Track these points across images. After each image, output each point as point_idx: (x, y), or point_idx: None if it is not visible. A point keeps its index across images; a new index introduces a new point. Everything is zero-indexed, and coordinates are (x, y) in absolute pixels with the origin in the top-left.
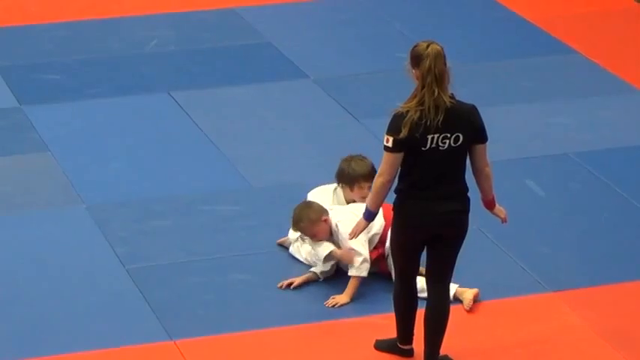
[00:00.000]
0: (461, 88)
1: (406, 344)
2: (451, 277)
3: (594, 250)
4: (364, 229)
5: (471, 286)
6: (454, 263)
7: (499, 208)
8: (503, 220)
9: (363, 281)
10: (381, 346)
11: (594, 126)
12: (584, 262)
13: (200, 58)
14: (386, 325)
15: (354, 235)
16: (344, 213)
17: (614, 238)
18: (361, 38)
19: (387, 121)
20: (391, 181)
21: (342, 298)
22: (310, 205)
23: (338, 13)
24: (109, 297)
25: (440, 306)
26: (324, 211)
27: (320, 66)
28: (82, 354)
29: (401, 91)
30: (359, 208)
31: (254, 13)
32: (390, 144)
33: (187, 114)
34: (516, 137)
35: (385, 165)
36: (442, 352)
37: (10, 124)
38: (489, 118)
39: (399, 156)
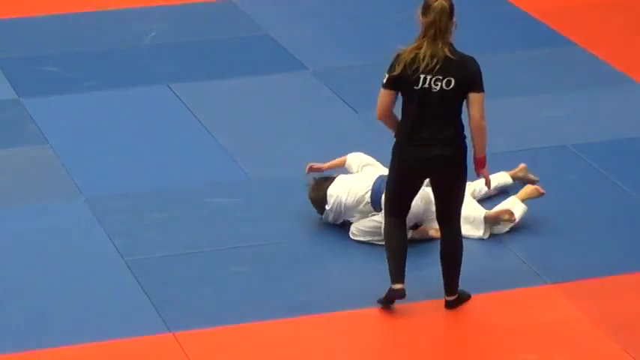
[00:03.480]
0: None
1: (396, 283)
2: (458, 215)
3: (592, 243)
4: None
5: (470, 281)
6: (457, 204)
7: (486, 172)
8: (486, 183)
9: (363, 273)
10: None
11: (593, 118)
12: (582, 254)
13: (199, 50)
14: (384, 317)
15: None
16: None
17: (612, 230)
18: (360, 30)
19: None
20: (383, 117)
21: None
22: None
23: (337, 4)
24: (107, 289)
25: (449, 241)
26: None
27: (319, 58)
28: (80, 346)
29: None
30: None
31: (252, 5)
32: (384, 80)
33: (186, 106)
34: (515, 129)
35: (378, 100)
36: (442, 345)
37: (9, 116)
38: (488, 110)
39: (390, 93)
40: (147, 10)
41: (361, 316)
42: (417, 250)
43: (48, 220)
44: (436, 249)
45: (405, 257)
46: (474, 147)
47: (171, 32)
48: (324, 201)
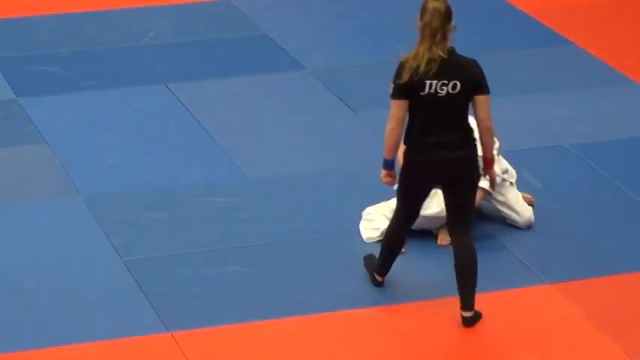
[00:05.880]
0: None
1: (380, 276)
2: (470, 224)
3: (592, 242)
4: (386, 177)
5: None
6: (468, 211)
7: (494, 173)
8: (491, 185)
9: (363, 273)
10: (366, 262)
11: (591, 118)
12: (581, 254)
13: (197, 49)
14: (383, 317)
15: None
16: None
17: (611, 230)
18: (358, 30)
19: (384, 113)
20: (397, 129)
21: None
22: None
23: (335, 3)
24: (105, 289)
25: (463, 255)
26: None
27: (317, 57)
28: (78, 346)
29: None
30: None
31: (250, 5)
32: (391, 90)
33: (184, 106)
34: (513, 129)
35: (390, 112)
36: (442, 345)
37: (7, 115)
38: None
39: (402, 103)
40: (145, 10)
41: (361, 316)
42: (417, 251)
43: (46, 220)
44: (435, 250)
45: (396, 259)
46: (482, 148)
47: (169, 32)
48: None
